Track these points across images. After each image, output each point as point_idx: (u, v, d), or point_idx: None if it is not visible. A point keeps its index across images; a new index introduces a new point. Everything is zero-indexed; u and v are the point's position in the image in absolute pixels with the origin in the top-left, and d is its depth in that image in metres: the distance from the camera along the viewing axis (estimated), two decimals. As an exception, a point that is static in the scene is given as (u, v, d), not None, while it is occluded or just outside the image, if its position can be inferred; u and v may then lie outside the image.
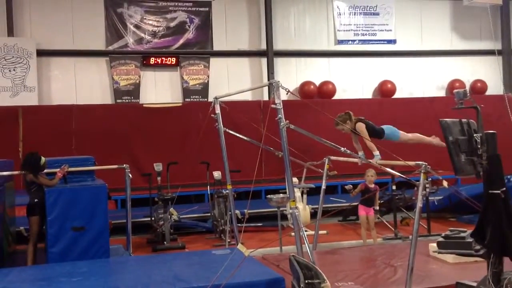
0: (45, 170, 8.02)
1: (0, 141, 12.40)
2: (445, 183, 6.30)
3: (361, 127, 6.87)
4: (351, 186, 9.06)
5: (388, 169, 6.43)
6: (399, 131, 7.25)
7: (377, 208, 9.03)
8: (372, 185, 9.00)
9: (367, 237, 9.03)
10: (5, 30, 14.00)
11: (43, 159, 7.93)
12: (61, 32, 14.49)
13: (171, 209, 9.85)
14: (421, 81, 17.12)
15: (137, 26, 15.05)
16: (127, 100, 14.80)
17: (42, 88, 14.32)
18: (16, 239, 9.33)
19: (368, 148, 6.82)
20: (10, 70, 13.86)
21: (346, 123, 6.86)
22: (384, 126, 7.19)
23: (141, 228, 10.28)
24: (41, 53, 14.21)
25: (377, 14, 16.82)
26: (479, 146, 5.02)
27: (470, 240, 5.31)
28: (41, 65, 14.32)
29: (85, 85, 14.62)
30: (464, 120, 5.35)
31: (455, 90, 5.49)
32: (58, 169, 7.88)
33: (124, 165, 8.86)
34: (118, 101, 14.74)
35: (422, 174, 5.45)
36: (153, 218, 10.04)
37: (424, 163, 5.45)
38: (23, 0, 14.31)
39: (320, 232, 9.03)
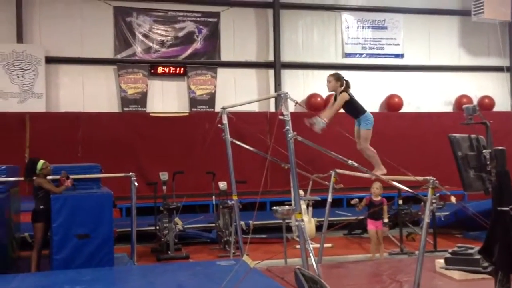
0: (50, 177, 8.02)
1: (7, 147, 12.41)
2: (453, 199, 6.22)
3: (343, 96, 6.95)
4: (357, 200, 9.02)
5: (395, 183, 6.40)
6: (371, 127, 7.38)
7: (386, 220, 8.94)
8: (378, 198, 8.95)
9: (376, 252, 8.97)
10: (15, 36, 14.09)
11: (40, 162, 7.89)
12: (70, 40, 14.57)
13: (176, 219, 9.83)
14: (428, 96, 17.08)
15: (145, 35, 15.12)
16: (134, 109, 14.83)
17: (50, 95, 14.37)
18: (21, 245, 9.31)
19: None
20: (18, 76, 13.93)
21: (337, 82, 6.94)
22: (368, 112, 7.24)
23: (145, 237, 10.26)
24: (49, 60, 14.28)
25: (385, 28, 16.86)
26: (488, 162, 4.98)
27: (478, 256, 5.25)
28: (50, 72, 14.38)
29: (92, 93, 14.67)
30: (473, 135, 5.32)
31: (464, 106, 5.46)
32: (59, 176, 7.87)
33: (130, 173, 8.86)
34: (125, 109, 14.77)
35: (430, 189, 5.41)
36: (157, 227, 10.01)
37: (432, 178, 5.41)
38: (33, 7, 14.41)
39: (326, 245, 8.97)
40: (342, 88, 7.00)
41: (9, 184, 8.24)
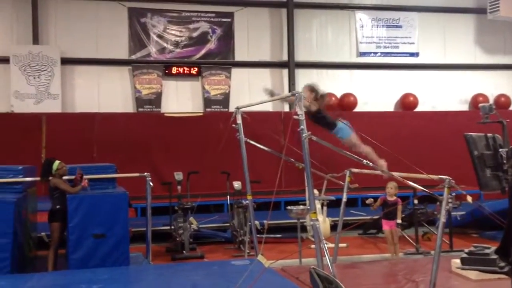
0: (66, 177, 8.09)
1: (24, 147, 12.54)
2: (469, 198, 6.17)
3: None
4: (372, 199, 8.97)
5: (411, 183, 6.36)
6: (352, 132, 6.90)
7: (399, 221, 8.88)
8: (393, 198, 8.90)
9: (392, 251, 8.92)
10: (31, 38, 14.23)
11: (56, 162, 7.96)
12: (85, 41, 14.68)
13: (191, 218, 9.85)
14: (444, 94, 16.96)
15: (160, 36, 15.19)
16: (148, 109, 14.91)
17: (66, 95, 14.49)
18: (37, 245, 9.40)
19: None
20: (34, 78, 14.06)
21: (311, 93, 6.61)
22: (341, 122, 6.87)
23: (160, 236, 10.29)
24: (65, 61, 14.40)
25: (400, 26, 16.77)
26: (504, 161, 4.95)
27: (495, 256, 5.21)
28: (65, 73, 14.50)
29: (107, 93, 14.77)
30: (489, 134, 5.29)
31: (480, 104, 5.44)
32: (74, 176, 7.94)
33: (145, 173, 8.91)
34: (140, 109, 14.85)
35: (446, 188, 5.38)
36: (172, 227, 10.04)
37: (448, 177, 5.38)
38: (49, 9, 14.54)
39: (340, 245, 8.96)
40: (316, 103, 6.62)
41: (26, 184, 8.32)
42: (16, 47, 14.12)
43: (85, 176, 8.04)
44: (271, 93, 8.36)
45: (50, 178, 7.93)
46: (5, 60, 13.97)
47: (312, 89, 6.65)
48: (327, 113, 6.71)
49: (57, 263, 7.95)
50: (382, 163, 6.79)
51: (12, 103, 13.87)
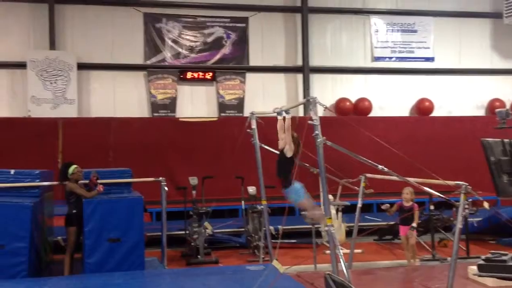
0: (82, 181, 8.17)
1: (40, 152, 12.65)
2: (486, 205, 6.12)
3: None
4: (388, 205, 8.92)
5: (427, 188, 6.32)
6: (305, 197, 6.30)
7: (414, 225, 8.77)
8: (409, 204, 8.84)
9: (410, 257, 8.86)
10: (47, 43, 14.37)
11: (72, 167, 8.06)
12: (101, 46, 14.81)
13: (206, 223, 9.86)
14: (460, 99, 16.84)
15: (175, 41, 15.27)
16: (163, 114, 14.98)
17: (82, 100, 14.62)
18: (54, 249, 9.46)
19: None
20: (51, 83, 14.19)
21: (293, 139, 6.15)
22: (297, 183, 6.25)
23: (175, 241, 10.32)
24: (81, 66, 14.53)
25: (415, 31, 16.70)
26: (522, 167, 4.91)
27: (512, 263, 5.17)
28: (81, 78, 14.63)
29: (123, 98, 14.86)
30: (506, 140, 5.24)
31: (497, 110, 5.40)
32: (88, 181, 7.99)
33: (160, 178, 8.94)
34: (155, 114, 14.93)
35: (462, 194, 5.34)
36: (187, 232, 10.06)
37: (464, 183, 5.34)
38: (65, 15, 14.68)
39: (356, 251, 8.91)
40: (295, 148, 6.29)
41: (42, 189, 8.39)
42: (33, 53, 14.27)
43: (100, 181, 8.11)
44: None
45: (66, 182, 8.00)
46: (22, 65, 14.13)
47: (296, 137, 6.29)
48: (292, 171, 6.18)
49: (73, 267, 8.00)
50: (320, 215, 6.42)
51: (29, 108, 14.02)
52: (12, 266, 7.25)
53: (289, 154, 6.12)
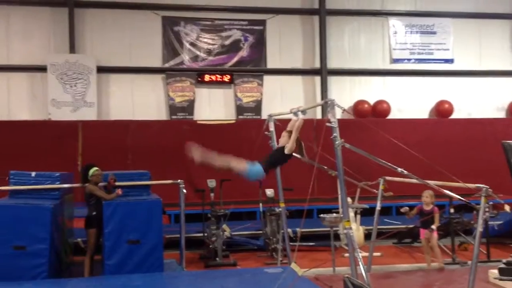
0: (101, 184, 8.24)
1: (60, 154, 12.78)
2: (507, 207, 6.07)
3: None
4: (407, 208, 8.86)
5: (447, 191, 6.26)
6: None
7: (433, 227, 8.68)
8: (430, 207, 8.77)
9: (431, 261, 8.78)
10: (67, 47, 14.54)
11: (93, 169, 8.16)
12: (120, 50, 14.95)
13: (224, 226, 9.88)
14: (480, 101, 16.68)
15: (193, 44, 15.34)
16: (181, 117, 15.05)
17: (101, 103, 14.75)
18: (74, 251, 9.55)
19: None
20: (71, 86, 14.35)
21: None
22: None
23: (193, 243, 10.34)
24: (100, 69, 14.67)
25: (434, 33, 16.58)
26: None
27: (534, 267, 5.10)
28: (101, 81, 14.77)
29: (141, 101, 14.98)
30: (528, 142, 5.18)
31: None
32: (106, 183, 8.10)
33: (178, 180, 8.98)
34: (173, 117, 15.02)
35: (483, 197, 5.28)
36: (205, 234, 10.08)
37: (485, 186, 5.29)
38: (85, 19, 14.84)
39: (374, 254, 8.86)
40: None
41: (62, 191, 8.47)
42: (54, 56, 14.44)
43: (119, 183, 8.19)
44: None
45: (86, 184, 8.08)
46: (42, 69, 14.31)
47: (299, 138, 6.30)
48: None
49: (93, 269, 8.07)
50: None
51: (50, 111, 14.19)
52: (32, 267, 7.33)
53: (287, 151, 6.14)
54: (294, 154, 6.35)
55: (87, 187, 8.09)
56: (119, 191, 7.99)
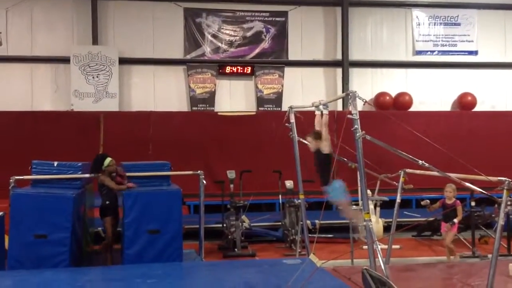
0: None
1: (83, 145, 12.91)
2: (529, 201, 5.96)
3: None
4: (428, 201, 8.79)
5: (468, 184, 6.19)
6: (345, 197, 6.38)
7: (454, 220, 8.59)
8: (452, 201, 8.69)
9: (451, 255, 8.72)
10: (90, 38, 14.66)
11: (108, 159, 8.29)
12: (142, 41, 15.03)
13: (243, 217, 9.93)
14: (504, 94, 16.44)
15: (214, 36, 15.35)
16: (202, 108, 15.10)
17: (123, 94, 14.87)
18: (94, 239, 9.67)
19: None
20: (93, 77, 14.48)
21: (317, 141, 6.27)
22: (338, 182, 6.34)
23: (212, 234, 10.41)
24: (123, 61, 14.77)
25: (458, 24, 16.35)
26: None
27: (556, 262, 5.02)
28: (123, 72, 14.87)
29: (163, 92, 15.06)
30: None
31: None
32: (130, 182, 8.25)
33: (199, 171, 9.02)
34: (194, 108, 15.07)
35: (505, 190, 5.21)
36: (224, 225, 10.14)
37: (507, 179, 5.21)
38: (108, 11, 14.95)
39: (393, 246, 8.81)
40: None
41: (84, 181, 8.58)
42: (77, 48, 14.58)
43: (140, 173, 8.31)
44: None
45: (99, 174, 8.18)
46: (66, 60, 14.46)
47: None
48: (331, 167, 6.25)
49: (112, 257, 8.18)
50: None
51: (72, 101, 14.34)
52: (54, 255, 7.43)
53: (326, 150, 6.11)
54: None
55: (99, 177, 8.22)
56: (130, 184, 8.11)
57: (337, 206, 6.56)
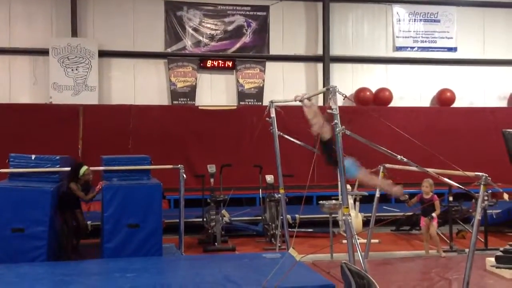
0: None
1: (61, 138, 12.80)
2: (506, 196, 6.06)
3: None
4: (407, 196, 8.87)
5: (446, 179, 6.26)
6: (358, 170, 6.34)
7: (433, 215, 8.69)
8: (429, 195, 8.79)
9: (429, 249, 8.82)
10: (70, 31, 14.50)
11: (83, 168, 8.41)
12: (122, 34, 14.90)
13: (223, 211, 9.92)
14: (482, 90, 16.65)
15: (195, 29, 15.28)
16: (183, 102, 15.04)
17: (103, 87, 14.74)
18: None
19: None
20: (72, 70, 14.33)
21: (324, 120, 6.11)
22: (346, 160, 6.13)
23: (192, 228, 10.39)
24: (102, 53, 14.64)
25: (438, 21, 16.50)
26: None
27: (531, 256, 5.11)
28: (102, 65, 14.74)
29: (143, 85, 14.97)
30: (528, 131, 5.17)
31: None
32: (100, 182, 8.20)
33: (179, 165, 8.99)
34: (175, 102, 15.01)
35: (482, 185, 5.28)
36: (205, 219, 10.13)
37: (484, 174, 5.28)
38: (87, 2, 14.79)
39: (372, 240, 8.89)
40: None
41: (62, 174, 8.49)
42: (55, 40, 14.41)
43: (120, 167, 8.32)
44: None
45: (70, 184, 8.31)
46: (44, 52, 14.28)
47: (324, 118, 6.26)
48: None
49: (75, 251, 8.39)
50: (397, 189, 6.58)
51: (51, 94, 14.18)
52: (31, 249, 7.33)
53: (326, 136, 6.11)
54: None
55: (70, 186, 8.31)
56: (99, 186, 8.07)
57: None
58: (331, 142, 6.12)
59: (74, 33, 14.50)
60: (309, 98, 6.33)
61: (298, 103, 6.66)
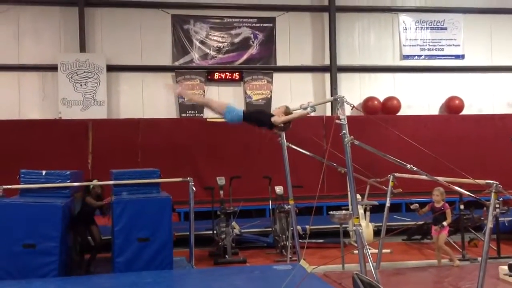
0: None
1: (71, 153, 12.84)
2: (517, 204, 6.02)
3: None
4: (417, 205, 8.81)
5: (456, 188, 6.22)
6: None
7: (444, 224, 8.60)
8: (440, 204, 8.72)
9: (441, 258, 8.74)
10: (78, 46, 14.62)
11: (93, 182, 8.70)
12: (130, 48, 15.00)
13: (233, 223, 9.90)
14: (490, 97, 16.58)
15: (202, 42, 15.36)
16: (191, 114, 15.09)
17: (111, 102, 14.82)
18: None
19: None
20: (81, 85, 14.43)
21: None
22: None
23: (203, 241, 10.38)
24: (111, 68, 14.73)
25: (445, 29, 16.49)
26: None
27: (545, 264, 5.06)
28: (111, 80, 14.83)
29: (151, 99, 15.03)
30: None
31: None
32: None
33: (188, 178, 8.99)
34: (183, 115, 15.06)
35: (493, 193, 5.24)
36: (215, 232, 10.12)
37: (495, 182, 5.25)
38: (95, 18, 14.92)
39: (384, 250, 8.83)
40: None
41: (73, 189, 8.53)
42: (64, 55, 14.53)
43: (130, 181, 8.44)
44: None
45: (87, 197, 8.57)
46: (53, 68, 14.40)
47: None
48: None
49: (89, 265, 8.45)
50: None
51: (60, 109, 14.27)
52: (43, 265, 7.37)
53: (273, 120, 6.33)
54: (275, 129, 6.56)
55: (87, 200, 8.55)
56: (108, 200, 8.43)
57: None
58: (265, 123, 6.44)
59: (82, 48, 14.62)
60: (313, 107, 6.37)
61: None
